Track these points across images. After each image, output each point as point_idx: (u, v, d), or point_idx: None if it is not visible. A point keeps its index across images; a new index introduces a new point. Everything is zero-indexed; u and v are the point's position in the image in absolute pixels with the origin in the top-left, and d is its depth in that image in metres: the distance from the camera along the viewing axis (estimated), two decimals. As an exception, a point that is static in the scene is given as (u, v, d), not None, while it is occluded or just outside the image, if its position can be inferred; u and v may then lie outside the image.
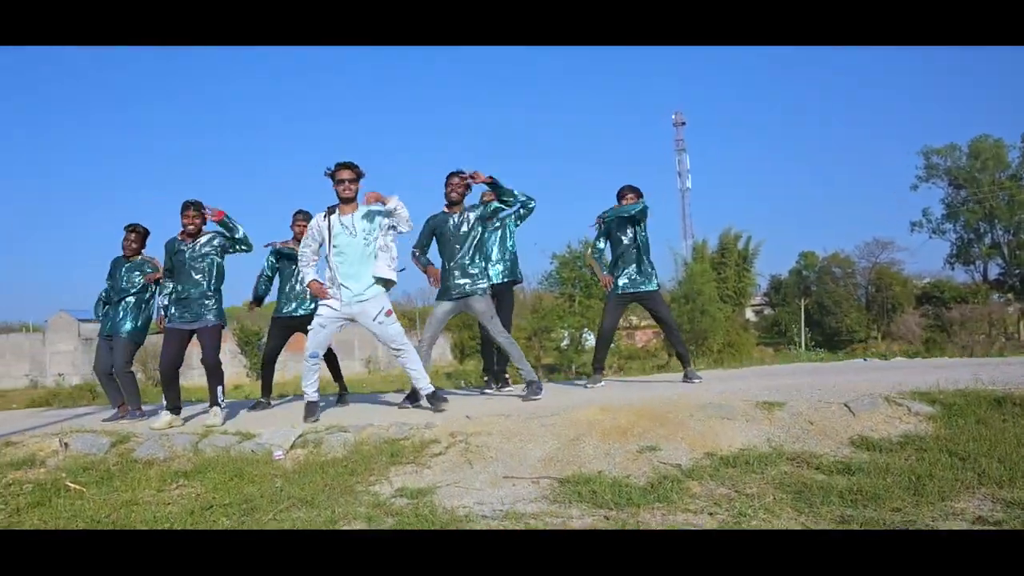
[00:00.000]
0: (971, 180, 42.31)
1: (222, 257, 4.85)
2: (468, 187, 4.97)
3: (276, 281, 5.58)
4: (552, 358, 22.17)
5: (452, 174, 4.95)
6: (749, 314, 36.13)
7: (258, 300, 5.71)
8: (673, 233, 55.15)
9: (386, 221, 4.54)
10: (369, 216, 4.51)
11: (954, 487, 2.90)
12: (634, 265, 5.39)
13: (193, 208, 4.74)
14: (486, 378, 6.07)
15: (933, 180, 44.60)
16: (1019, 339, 28.77)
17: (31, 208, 78.82)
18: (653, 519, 2.83)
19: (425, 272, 5.07)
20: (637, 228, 5.41)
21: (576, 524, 2.81)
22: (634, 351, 24.27)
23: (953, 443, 3.37)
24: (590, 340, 20.42)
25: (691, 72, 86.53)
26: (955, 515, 2.67)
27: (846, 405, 3.92)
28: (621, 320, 5.96)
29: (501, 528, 2.78)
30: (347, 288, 4.50)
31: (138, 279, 5.29)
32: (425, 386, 4.63)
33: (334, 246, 4.49)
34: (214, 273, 4.78)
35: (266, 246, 5.53)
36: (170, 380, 4.73)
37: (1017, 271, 40.84)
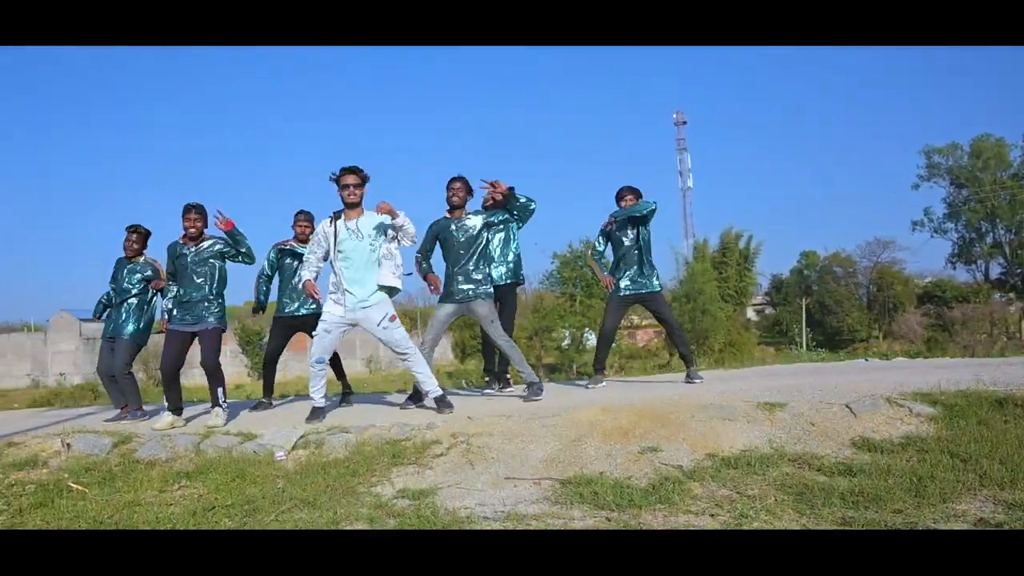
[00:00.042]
0: (973, 179, 42.25)
1: (224, 262, 4.85)
2: (470, 191, 4.98)
3: (276, 281, 5.58)
4: (553, 358, 22.16)
5: (454, 179, 4.95)
6: (750, 313, 36.12)
7: (260, 307, 5.71)
8: (674, 232, 55.15)
9: (391, 231, 4.55)
10: (375, 222, 4.52)
11: (955, 489, 2.90)
12: (636, 266, 5.39)
13: (195, 211, 4.73)
14: (487, 379, 6.08)
15: (935, 179, 44.55)
16: (1021, 339, 28.73)
17: (31, 208, 78.90)
18: (655, 520, 2.83)
19: (425, 279, 5.08)
20: (640, 229, 5.40)
21: (578, 525, 2.81)
22: (635, 350, 24.26)
23: (954, 444, 3.37)
24: (591, 340, 20.42)
25: (691, 72, 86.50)
26: (956, 517, 2.67)
27: (847, 406, 3.92)
28: (622, 320, 5.96)
29: (503, 529, 2.78)
30: (351, 294, 4.51)
31: (139, 280, 5.29)
32: (433, 390, 4.64)
33: (340, 251, 4.51)
34: (216, 277, 4.78)
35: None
36: (171, 381, 4.73)
37: (1019, 270, 40.77)
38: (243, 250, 4.78)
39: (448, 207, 4.97)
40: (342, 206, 4.57)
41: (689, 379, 5.41)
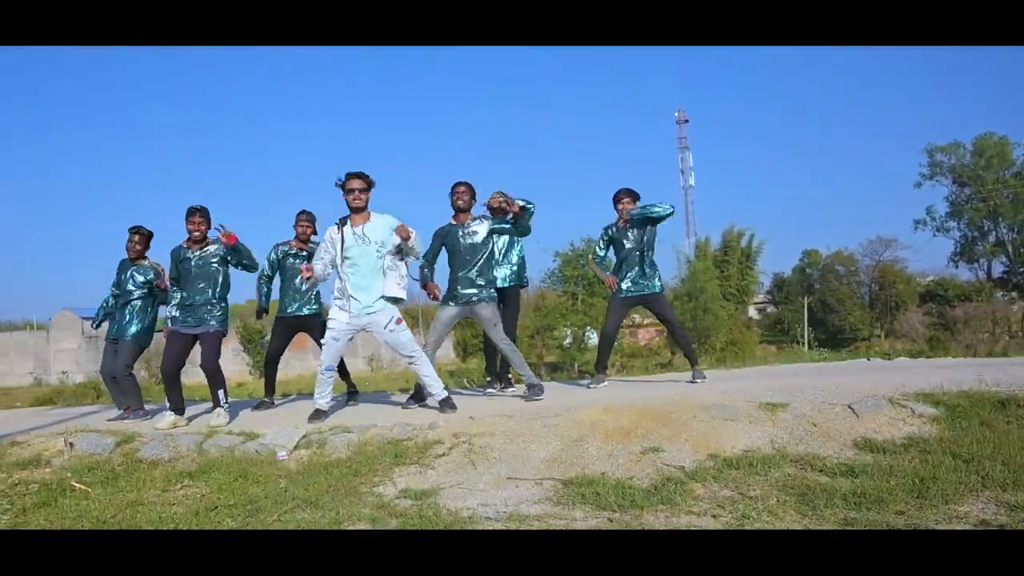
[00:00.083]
0: (975, 178, 42.12)
1: (227, 267, 4.85)
2: (474, 196, 4.98)
3: (277, 281, 5.58)
4: (555, 356, 22.15)
5: (459, 183, 4.97)
6: (752, 312, 36.04)
7: (263, 309, 5.72)
8: (676, 231, 55.19)
9: (399, 250, 4.56)
10: (382, 228, 4.53)
11: (958, 490, 2.90)
12: (637, 268, 5.39)
13: (199, 214, 4.72)
14: (489, 379, 6.09)
15: (937, 178, 44.42)
16: (1023, 337, 28.66)
17: (32, 208, 79.06)
18: (657, 521, 2.84)
19: (424, 288, 5.10)
20: (647, 230, 5.40)
21: (580, 526, 2.81)
22: (637, 349, 24.24)
23: (957, 445, 3.37)
24: (593, 338, 20.42)
25: (691, 72, 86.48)
26: (959, 518, 2.67)
27: (850, 407, 3.91)
28: (624, 320, 5.96)
29: (505, 529, 2.78)
30: (356, 300, 4.52)
31: (143, 283, 5.28)
32: (439, 392, 4.65)
33: (346, 257, 4.51)
34: (219, 281, 4.78)
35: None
36: (172, 382, 4.74)
37: (1021, 269, 40.64)
38: (245, 261, 4.80)
39: (453, 211, 4.99)
40: (346, 210, 4.57)
41: (695, 379, 5.41)
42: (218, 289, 4.77)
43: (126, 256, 5.38)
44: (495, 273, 5.24)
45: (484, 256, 4.91)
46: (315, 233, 5.51)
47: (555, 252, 22.12)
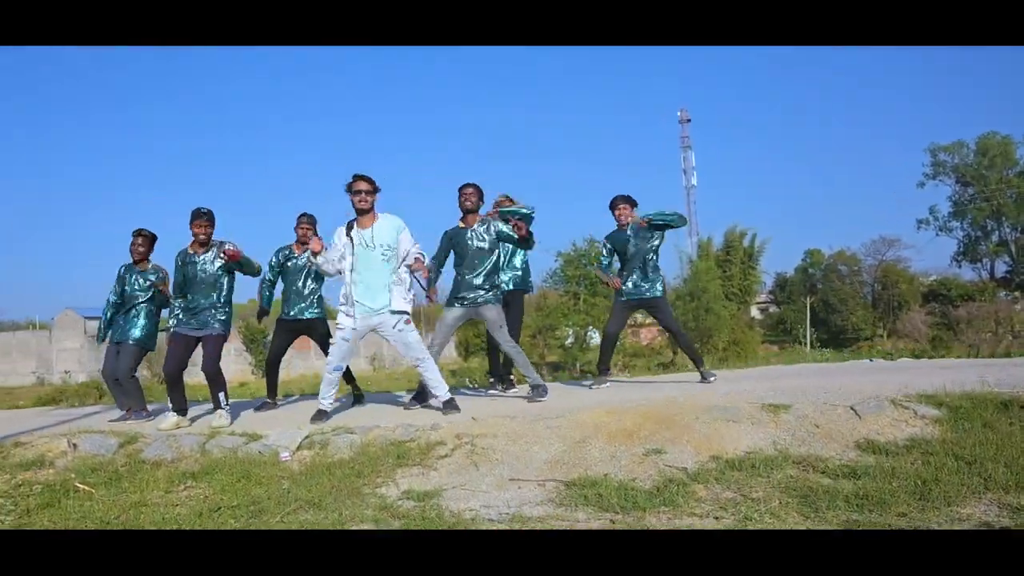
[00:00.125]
0: (978, 177, 42.03)
1: (231, 272, 4.86)
2: (481, 197, 5.00)
3: (280, 284, 5.59)
4: (556, 356, 22.15)
5: (466, 184, 4.99)
6: (754, 312, 36.02)
7: (265, 311, 5.73)
8: (678, 231, 54.88)
9: (404, 250, 4.58)
10: (388, 230, 4.54)
11: (960, 492, 2.89)
12: (638, 271, 5.39)
13: (204, 217, 4.72)
14: (491, 379, 6.10)
15: (940, 177, 44.35)
16: (1026, 337, 28.57)
17: (32, 208, 79.24)
18: (659, 523, 2.84)
19: (425, 292, 5.12)
20: (652, 235, 5.40)
21: (582, 527, 2.82)
22: (639, 349, 24.24)
23: (959, 447, 3.36)
24: (595, 338, 20.42)
25: (692, 72, 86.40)
26: (961, 520, 2.67)
27: (852, 408, 3.91)
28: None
29: (508, 530, 2.79)
30: (362, 304, 4.54)
31: (147, 286, 5.27)
32: (443, 394, 4.68)
33: (353, 263, 4.53)
34: (224, 285, 4.79)
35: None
36: (174, 383, 4.75)
37: (1024, 268, 40.59)
38: (247, 270, 4.84)
39: (461, 212, 5.01)
40: (353, 213, 4.59)
41: (705, 379, 5.42)
42: (223, 293, 4.78)
43: (130, 259, 5.36)
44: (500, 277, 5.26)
45: (492, 259, 4.95)
46: (316, 235, 5.51)
47: (557, 252, 22.14)
